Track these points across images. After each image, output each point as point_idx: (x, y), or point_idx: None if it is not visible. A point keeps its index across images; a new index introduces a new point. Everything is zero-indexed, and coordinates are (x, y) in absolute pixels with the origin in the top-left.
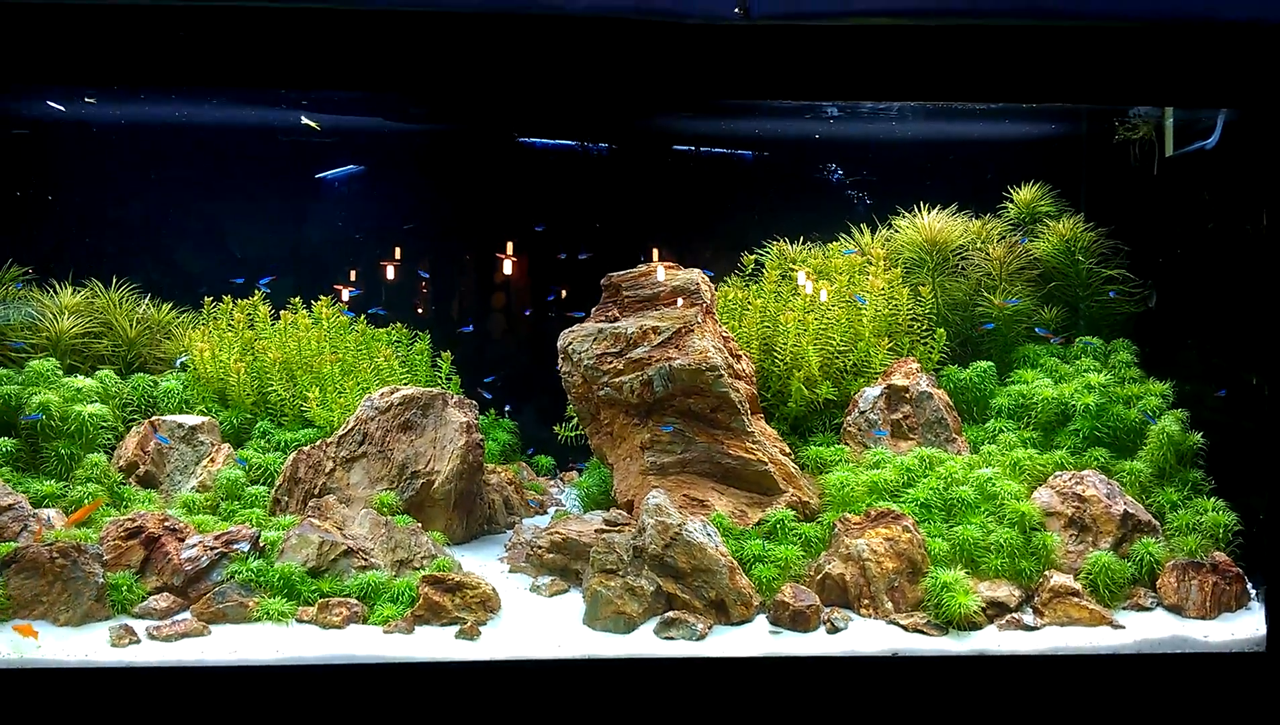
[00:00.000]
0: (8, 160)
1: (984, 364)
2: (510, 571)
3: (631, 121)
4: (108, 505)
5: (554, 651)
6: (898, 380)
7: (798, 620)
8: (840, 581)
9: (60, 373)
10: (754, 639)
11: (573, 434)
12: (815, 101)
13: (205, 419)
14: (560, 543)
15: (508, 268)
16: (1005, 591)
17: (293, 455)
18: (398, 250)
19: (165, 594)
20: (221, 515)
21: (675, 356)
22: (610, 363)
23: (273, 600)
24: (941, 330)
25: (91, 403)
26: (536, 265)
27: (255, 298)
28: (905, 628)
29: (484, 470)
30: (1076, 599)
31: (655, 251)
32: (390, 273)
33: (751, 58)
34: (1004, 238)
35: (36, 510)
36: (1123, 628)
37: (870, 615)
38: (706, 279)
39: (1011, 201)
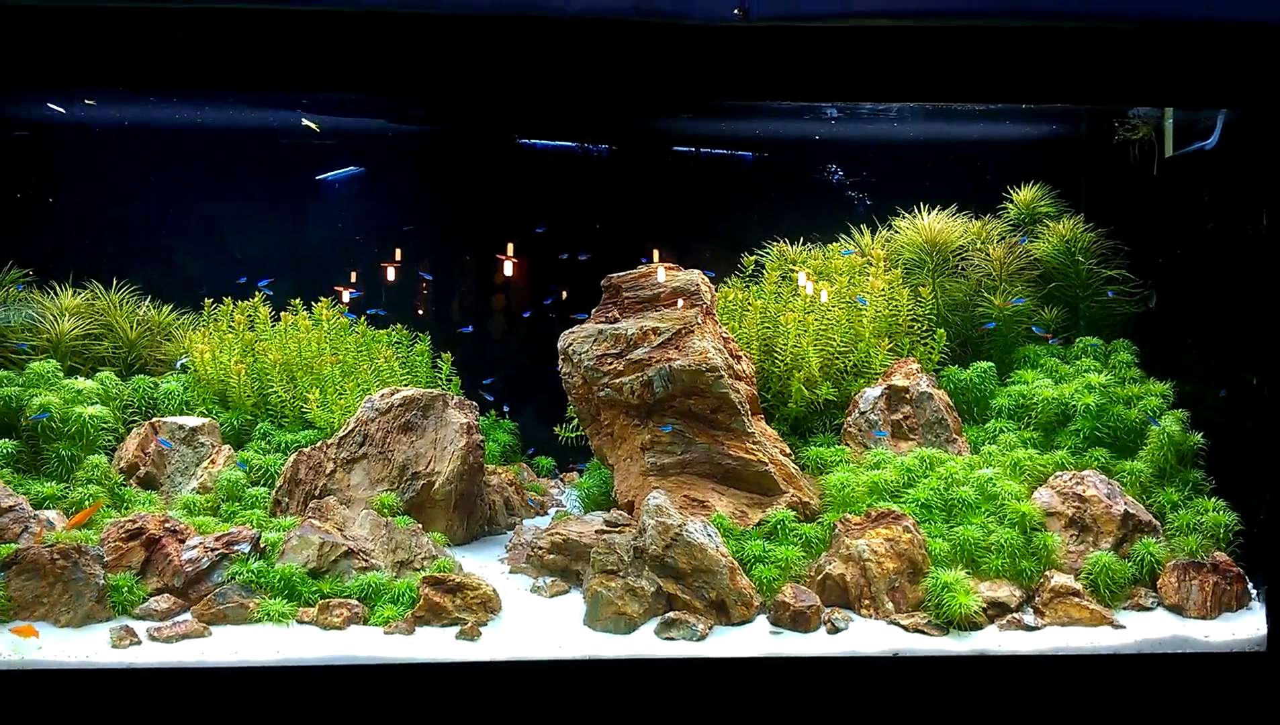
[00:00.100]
0: (8, 162)
1: (984, 364)
2: (511, 572)
3: (631, 123)
4: (108, 507)
5: (555, 652)
6: (898, 381)
7: (798, 621)
8: (841, 582)
9: (61, 374)
10: (754, 639)
11: (573, 435)
12: (815, 103)
13: (206, 421)
14: (561, 543)
15: (508, 269)
16: (1006, 592)
17: (293, 457)
18: (398, 252)
19: (166, 595)
20: (222, 517)
21: (675, 357)
22: (610, 364)
23: (273, 601)
24: (942, 331)
25: (92, 404)
26: (537, 266)
27: (255, 299)
28: (906, 628)
29: (484, 471)
30: (1077, 599)
31: (655, 252)
32: (390, 274)
33: (751, 59)
34: (1004, 238)
35: (37, 512)
36: (1123, 628)
37: (871, 616)
38: (706, 280)
39: (1011, 202)
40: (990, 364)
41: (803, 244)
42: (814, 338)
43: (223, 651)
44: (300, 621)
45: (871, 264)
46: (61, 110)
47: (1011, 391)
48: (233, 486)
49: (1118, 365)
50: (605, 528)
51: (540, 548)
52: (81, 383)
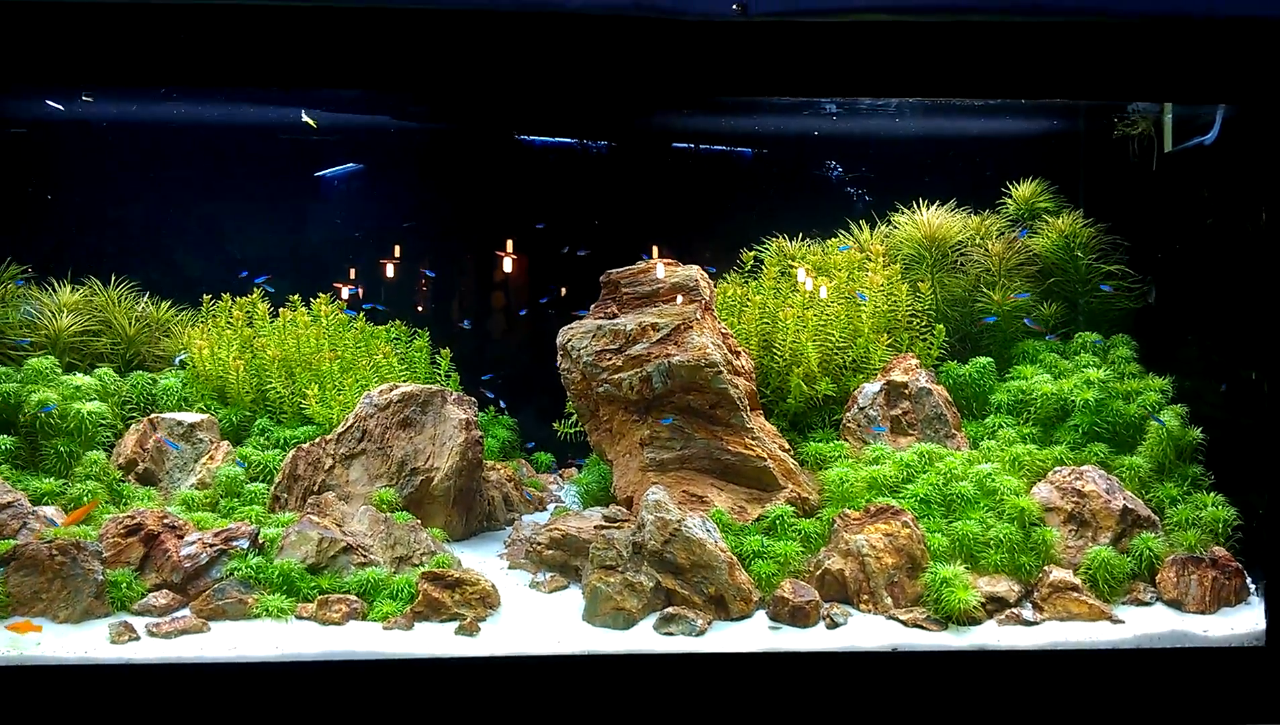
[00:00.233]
0: (6, 159)
1: (983, 360)
2: (510, 568)
3: (630, 119)
4: (107, 503)
5: (553, 647)
6: (897, 376)
7: (797, 616)
8: (840, 577)
9: (59, 370)
10: (753, 635)
11: (572, 431)
12: (813, 98)
13: (204, 416)
14: (560, 539)
15: (507, 266)
16: (1005, 587)
17: (292, 452)
18: (397, 248)
19: (165, 591)
20: (221, 512)
21: (674, 353)
22: (609, 359)
23: (272, 597)
24: (940, 326)
25: (90, 400)
26: (536, 263)
27: (254, 295)
28: (905, 623)
29: (483, 467)
30: (1076, 594)
31: (654, 248)
32: (389, 271)
33: (749, 54)
34: (1003, 234)
35: (36, 508)
36: (1122, 623)
37: (870, 611)
38: (705, 275)
39: (1010, 197)
40: (989, 359)
41: (802, 240)
42: (813, 333)
43: (221, 647)
44: (299, 617)
45: (871, 259)
46: (59, 107)
47: (1010, 387)
48: (231, 482)
49: (1117, 360)
50: (604, 523)
51: (539, 543)
52: (80, 379)
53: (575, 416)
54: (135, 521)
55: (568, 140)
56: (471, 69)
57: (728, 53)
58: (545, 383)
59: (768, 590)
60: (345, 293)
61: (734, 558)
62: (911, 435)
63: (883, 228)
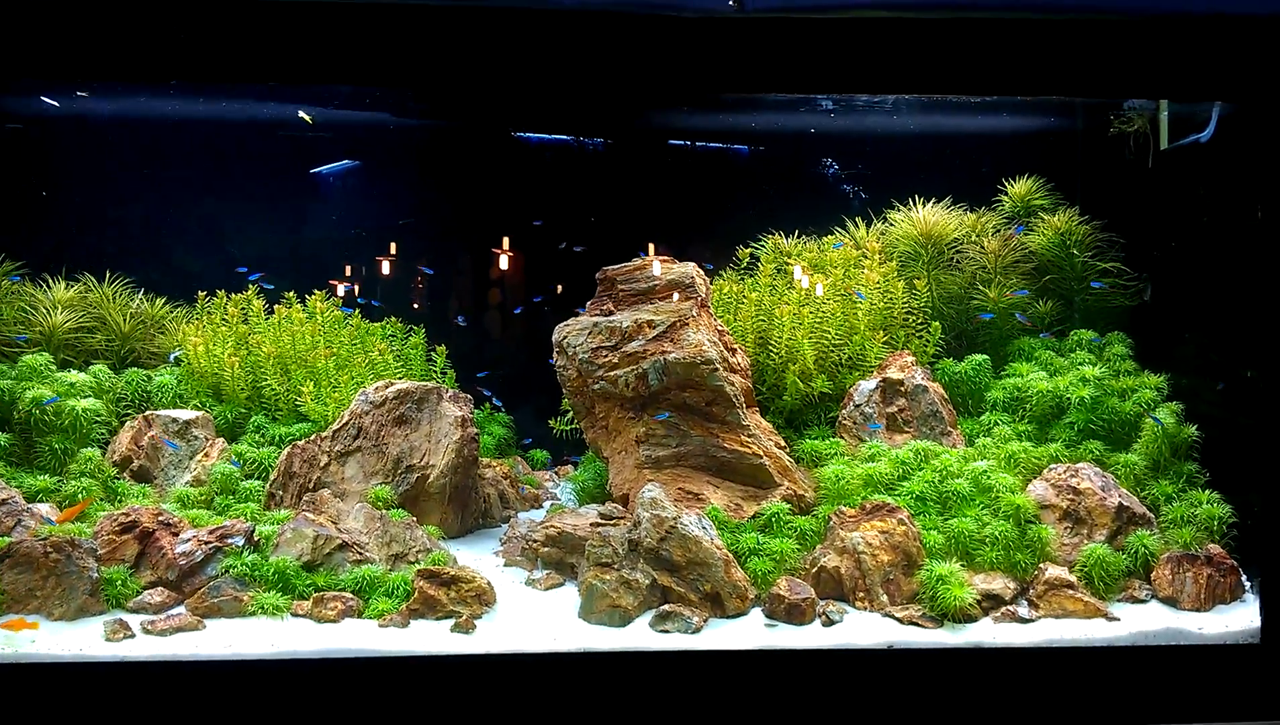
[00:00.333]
0: (1, 155)
1: (979, 357)
2: (505, 565)
3: (627, 116)
4: (102, 500)
5: (549, 645)
6: (893, 373)
7: (793, 613)
8: (835, 574)
9: (54, 367)
10: (749, 632)
11: (568, 428)
12: (810, 95)
13: (199, 414)
14: (555, 536)
15: (504, 263)
16: (1000, 584)
17: (287, 450)
18: (393, 245)
19: (160, 588)
20: (216, 510)
21: (670, 350)
22: (605, 356)
23: (267, 594)
24: (937, 324)
25: (85, 397)
26: (532, 260)
27: (249, 292)
28: (900, 620)
29: (479, 464)
30: (1071, 591)
31: (650, 245)
32: (386, 268)
33: (746, 51)
34: (999, 231)
35: (31, 505)
36: (1117, 620)
37: (865, 608)
38: (702, 273)
39: (1006, 195)
40: (985, 357)
41: (798, 237)
42: (809, 331)
43: (217, 645)
44: (294, 614)
45: (867, 257)
46: (55, 104)
47: (1006, 384)
48: (226, 480)
49: (1112, 358)
50: (600, 521)
51: (535, 541)
52: (74, 376)
53: (571, 414)
54: (130, 519)
55: (564, 137)
56: (468, 65)
57: (724, 49)
58: (541, 380)
59: (764, 587)
60: (341, 290)
61: (730, 555)
62: (907, 432)
63: (879, 225)
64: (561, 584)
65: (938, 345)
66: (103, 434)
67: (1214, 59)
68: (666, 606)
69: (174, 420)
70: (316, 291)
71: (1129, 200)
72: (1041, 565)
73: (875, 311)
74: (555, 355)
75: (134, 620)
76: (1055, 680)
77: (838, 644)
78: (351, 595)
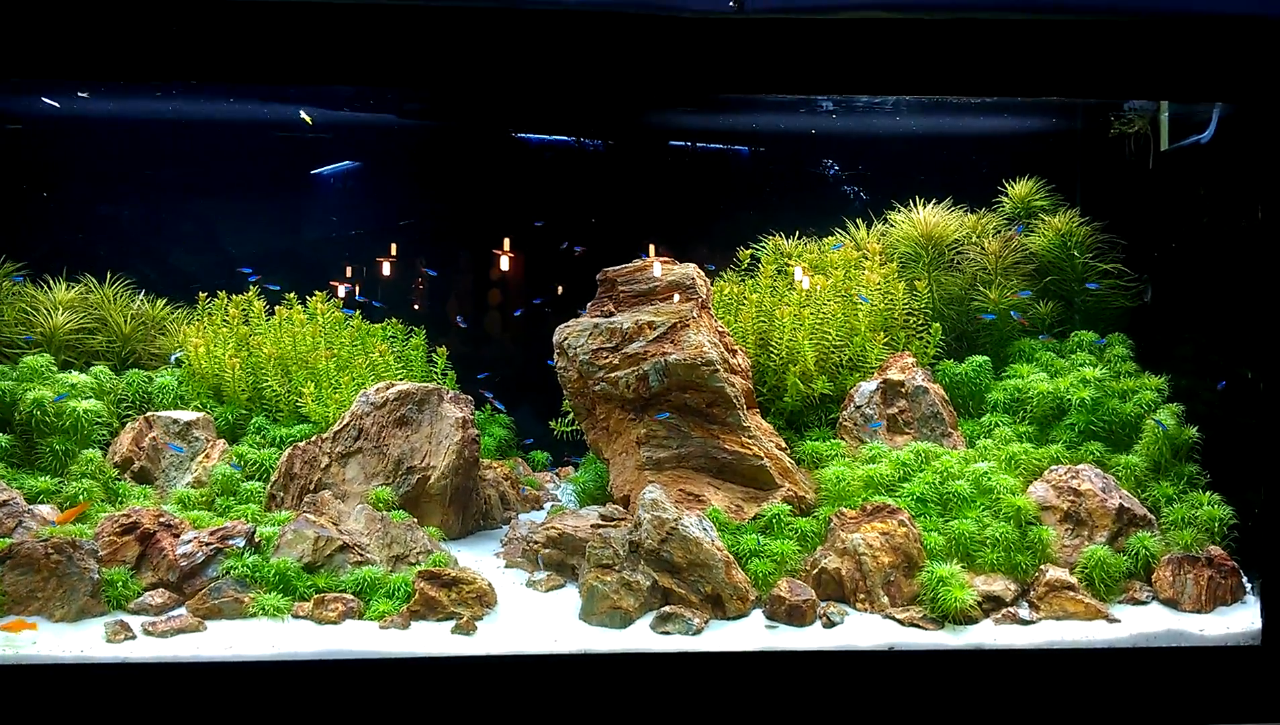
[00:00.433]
0: (1, 156)
1: (979, 358)
2: (506, 567)
3: (627, 116)
4: (103, 501)
5: (550, 646)
6: (893, 375)
7: (794, 615)
8: (836, 576)
9: (54, 368)
10: (750, 634)
11: (568, 429)
12: (810, 95)
13: (200, 415)
14: (556, 538)
15: (504, 264)
16: (1001, 585)
17: (288, 451)
18: (393, 246)
19: (161, 590)
20: (217, 511)
21: (671, 351)
22: (606, 358)
23: (268, 596)
24: (937, 325)
25: (86, 399)
26: (533, 261)
27: (250, 293)
28: (901, 622)
29: (480, 465)
30: (1072, 593)
31: (651, 246)
32: (386, 269)
33: (746, 51)
34: (999, 232)
35: (32, 506)
36: (1118, 621)
37: (866, 610)
38: (702, 274)
39: (1007, 196)
40: (985, 358)
41: (799, 238)
42: (809, 332)
43: (217, 646)
44: (295, 616)
45: (867, 258)
46: (55, 104)
47: (1007, 386)
48: (227, 481)
49: (1113, 359)
50: (601, 522)
51: (536, 542)
52: (75, 377)
53: (572, 415)
54: (131, 520)
55: (564, 138)
56: (468, 65)
57: (724, 50)
58: (542, 381)
59: (764, 589)
60: (342, 291)
61: (731, 557)
62: (908, 434)
63: (879, 226)
64: (562, 585)
65: (938, 346)
66: (104, 435)
67: (1214, 60)
68: (667, 608)
69: (175, 421)
70: (317, 292)
71: (1129, 201)
72: (1042, 567)
73: (876, 313)
74: (556, 356)
75: (135, 621)
76: (1056, 682)
77: (838, 645)
78: (352, 597)
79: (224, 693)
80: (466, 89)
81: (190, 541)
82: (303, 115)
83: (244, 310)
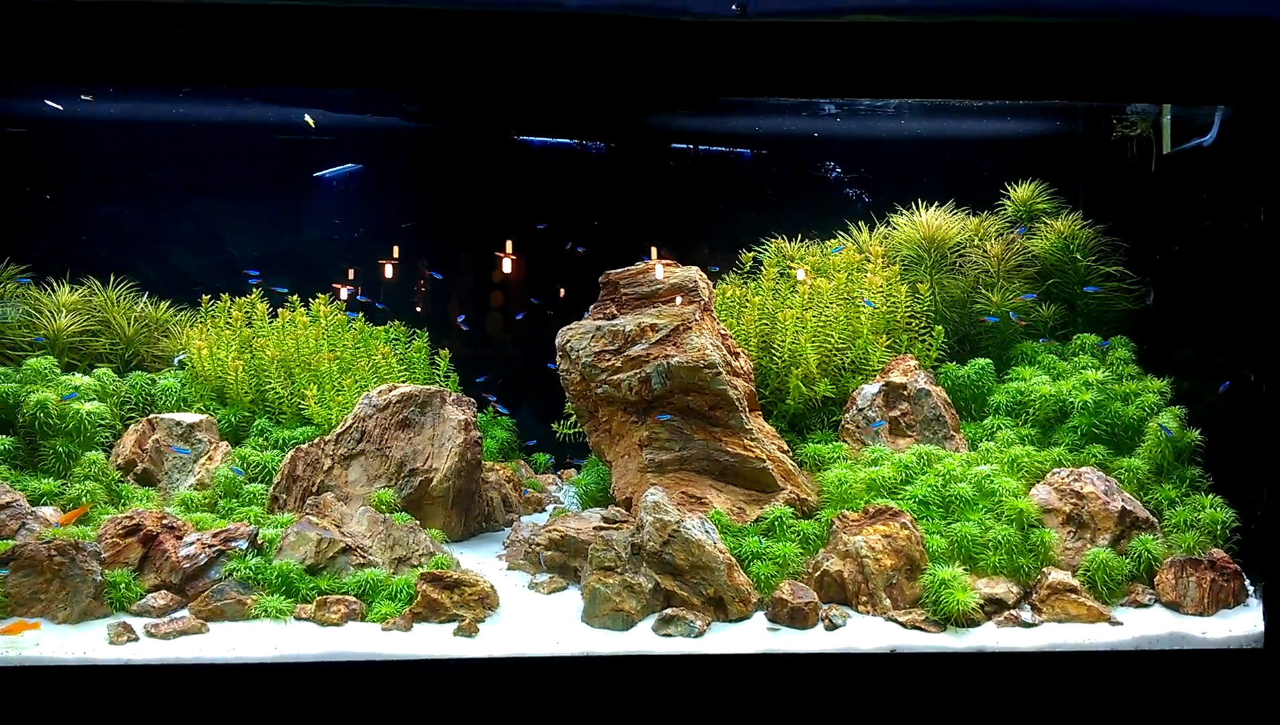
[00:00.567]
0: (5, 159)
1: (982, 361)
2: (508, 569)
3: (630, 119)
4: (106, 503)
5: (552, 649)
6: (896, 377)
7: (796, 617)
8: (838, 578)
9: (58, 371)
10: (752, 636)
11: (571, 432)
12: (812, 98)
13: (203, 417)
14: (558, 540)
15: (506, 266)
16: (1003, 588)
17: (291, 453)
18: (395, 249)
19: (163, 592)
20: (219, 513)
21: (673, 354)
22: (608, 360)
23: (271, 598)
24: (939, 327)
25: (89, 401)
26: (535, 263)
27: (253, 296)
28: (903, 625)
29: (482, 468)
30: (1074, 596)
31: (654, 249)
32: (389, 271)
33: (748, 55)
34: (1001, 235)
35: (35, 508)
36: (1121, 624)
37: (868, 612)
38: (704, 276)
39: (1009, 199)
40: (988, 361)
41: (801, 240)
42: (812, 334)
43: (220, 648)
44: (298, 618)
45: (870, 260)
46: (58, 107)
47: (1009, 388)
48: (230, 483)
49: (1115, 362)
50: (603, 524)
51: (538, 544)
52: (79, 379)
53: (574, 417)
54: (134, 522)
55: (567, 140)
56: (470, 68)
57: (727, 53)
58: (544, 383)
59: (766, 592)
60: (344, 293)
61: (733, 559)
62: (910, 437)
63: (882, 229)
64: (564, 588)
65: (941, 349)
66: (107, 437)
67: (1215, 62)
68: (669, 610)
69: (178, 423)
70: (320, 295)
71: (1132, 204)
72: (1044, 569)
73: (878, 315)
74: (558, 359)
75: (137, 623)
76: (1058, 685)
77: (840, 648)
78: (354, 598)
79: (226, 695)
80: (471, 91)
81: (193, 543)
82: (306, 118)
83: (247, 312)
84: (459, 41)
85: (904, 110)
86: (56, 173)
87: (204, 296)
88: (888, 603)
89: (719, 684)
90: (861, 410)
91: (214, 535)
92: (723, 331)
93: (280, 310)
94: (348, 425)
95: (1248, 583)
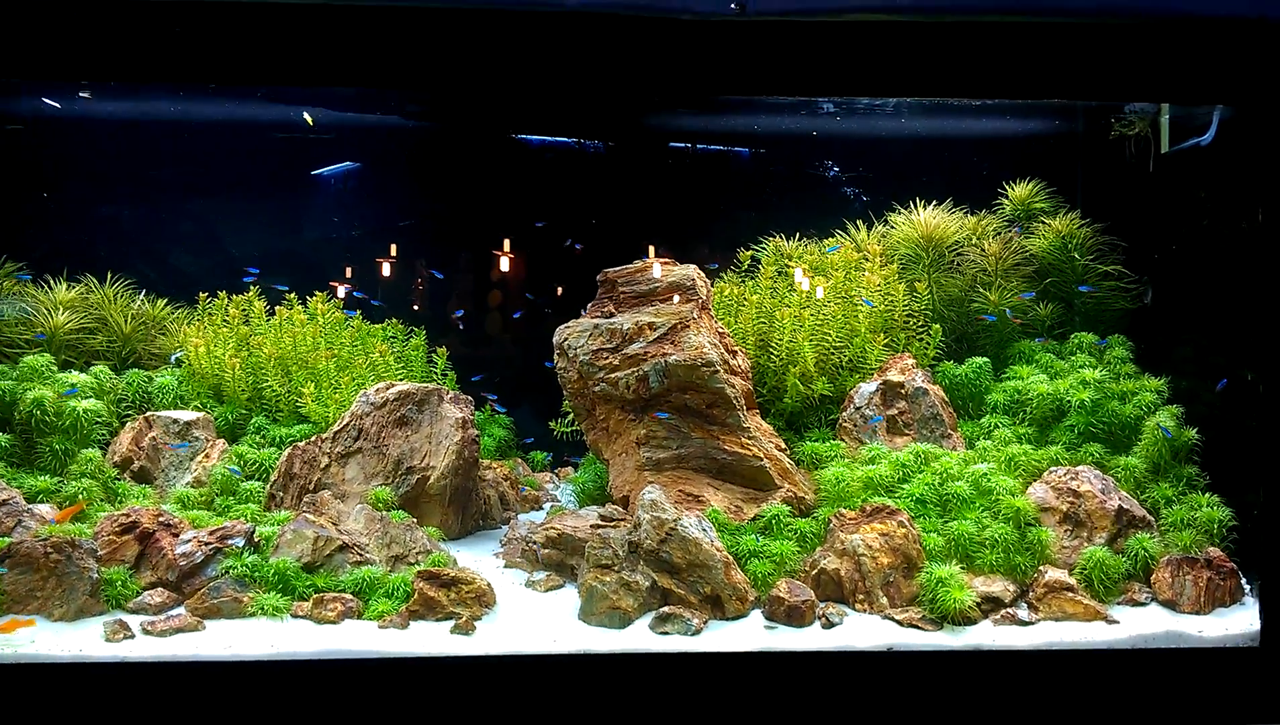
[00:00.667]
0: (2, 156)
1: (979, 360)
2: (505, 567)
3: (628, 118)
4: (102, 500)
5: (549, 646)
6: (893, 376)
7: (793, 615)
8: (835, 577)
9: (55, 368)
10: (749, 634)
11: (568, 430)
12: (811, 97)
13: (200, 415)
14: (556, 538)
15: (504, 264)
16: (1000, 587)
17: (288, 451)
18: (393, 247)
19: (160, 589)
20: (216, 511)
21: (671, 352)
22: (606, 358)
23: (267, 595)
24: (937, 326)
25: (86, 398)
26: (533, 261)
27: (250, 293)
28: (900, 623)
29: (479, 466)
30: (1071, 594)
31: (651, 247)
32: (386, 269)
33: (747, 53)
34: (999, 234)
35: (31, 505)
36: (1117, 623)
37: (865, 610)
38: (702, 275)
39: (1007, 198)
40: (985, 359)
41: (799, 239)
42: (809, 333)
43: (216, 646)
44: (294, 616)
45: (868, 259)
46: (56, 105)
47: (1006, 387)
48: (227, 481)
49: (1113, 361)
50: (600, 522)
51: (535, 542)
52: (76, 377)
53: (571, 415)
54: (130, 519)
55: (565, 139)
56: (470, 67)
57: (726, 51)
58: (542, 381)
59: (764, 590)
60: (341, 291)
61: (730, 557)
62: (908, 435)
63: (880, 227)
64: (561, 586)
65: (938, 348)
66: (103, 435)
67: (1214, 62)
68: (666, 608)
69: (175, 421)
70: (318, 293)
71: (1130, 203)
72: (1041, 568)
73: (876, 314)
74: (556, 357)
75: (134, 621)
76: (1055, 683)
77: (837, 646)
78: (351, 596)
79: (223, 692)
80: (469, 90)
81: (189, 541)
82: (305, 116)
83: (244, 310)
84: (459, 40)
85: (903, 109)
86: (54, 170)
87: (201, 294)
88: (885, 601)
89: (716, 682)
90: (859, 409)
91: (211, 533)
92: (720, 330)
93: (278, 308)
94: (345, 423)
95: (1244, 581)
